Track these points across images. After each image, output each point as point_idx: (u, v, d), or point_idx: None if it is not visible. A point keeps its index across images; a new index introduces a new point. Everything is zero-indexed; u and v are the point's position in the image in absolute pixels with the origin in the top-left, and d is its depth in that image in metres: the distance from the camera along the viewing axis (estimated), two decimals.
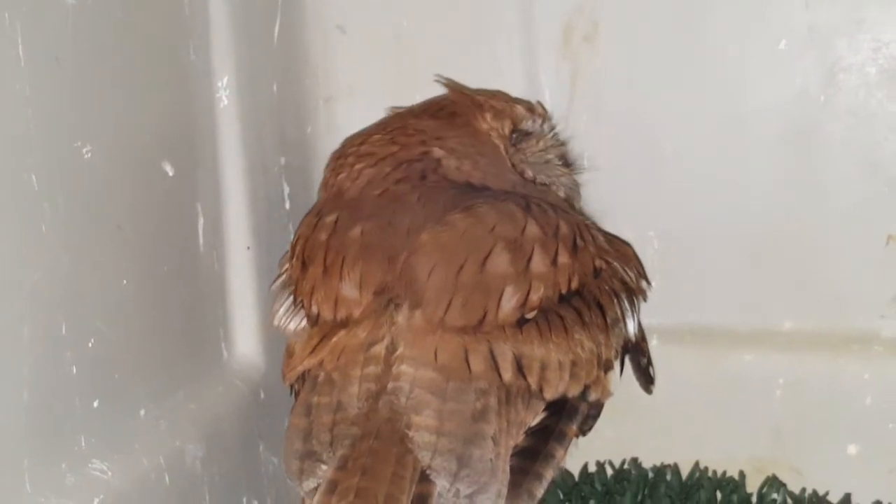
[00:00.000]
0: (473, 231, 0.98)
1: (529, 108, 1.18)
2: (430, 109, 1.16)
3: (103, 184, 0.97)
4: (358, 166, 1.08)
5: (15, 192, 0.88)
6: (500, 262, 0.97)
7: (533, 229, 0.99)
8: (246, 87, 1.18)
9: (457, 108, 1.15)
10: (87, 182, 0.95)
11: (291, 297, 1.04)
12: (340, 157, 1.11)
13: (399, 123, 1.13)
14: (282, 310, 1.04)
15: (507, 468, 0.93)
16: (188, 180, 1.11)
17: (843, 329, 1.24)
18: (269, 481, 1.18)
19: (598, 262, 1.03)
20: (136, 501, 0.98)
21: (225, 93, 1.16)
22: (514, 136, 1.16)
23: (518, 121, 1.16)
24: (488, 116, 1.15)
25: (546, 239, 0.99)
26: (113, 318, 0.98)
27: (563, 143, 1.21)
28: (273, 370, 1.15)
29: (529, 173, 1.15)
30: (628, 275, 1.06)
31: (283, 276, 1.07)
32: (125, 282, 1.00)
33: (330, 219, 1.03)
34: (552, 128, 1.20)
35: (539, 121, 1.18)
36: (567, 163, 1.21)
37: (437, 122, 1.13)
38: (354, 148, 1.11)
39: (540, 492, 0.95)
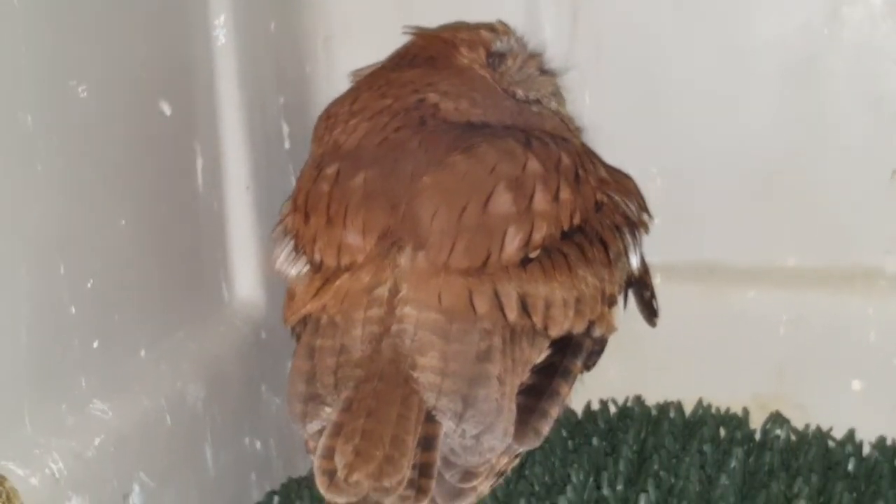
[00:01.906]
0: (474, 172, 0.98)
1: (492, 28, 1.17)
2: (406, 59, 1.15)
3: (99, 123, 0.97)
4: (353, 121, 1.07)
5: (10, 131, 0.87)
6: (503, 202, 0.97)
7: (534, 165, 0.99)
8: (243, 26, 1.17)
9: (431, 51, 1.14)
10: (82, 121, 0.95)
11: (292, 244, 1.04)
12: (330, 117, 1.10)
13: (383, 80, 1.11)
14: (283, 255, 1.04)
15: (514, 407, 0.93)
16: (186, 120, 1.10)
17: (847, 265, 1.23)
18: (271, 422, 1.18)
19: (599, 196, 1.03)
20: (138, 442, 0.99)
21: (222, 31, 1.15)
22: (491, 61, 1.15)
23: (489, 45, 1.15)
24: (464, 50, 1.14)
25: (547, 175, 0.99)
26: (112, 259, 0.98)
27: (536, 54, 1.20)
28: (274, 311, 1.14)
29: (520, 93, 1.14)
30: (629, 208, 1.06)
31: (285, 223, 1.07)
32: (123, 222, 1.00)
33: (331, 170, 1.02)
34: (519, 41, 1.19)
35: (506, 39, 1.17)
36: (545, 71, 1.20)
37: (421, 70, 1.12)
38: (346, 107, 1.09)
39: (546, 429, 0.95)
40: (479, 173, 0.98)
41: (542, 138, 1.02)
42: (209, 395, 1.09)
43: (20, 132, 0.88)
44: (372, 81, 1.12)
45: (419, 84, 1.09)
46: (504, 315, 0.94)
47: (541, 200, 0.98)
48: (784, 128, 1.23)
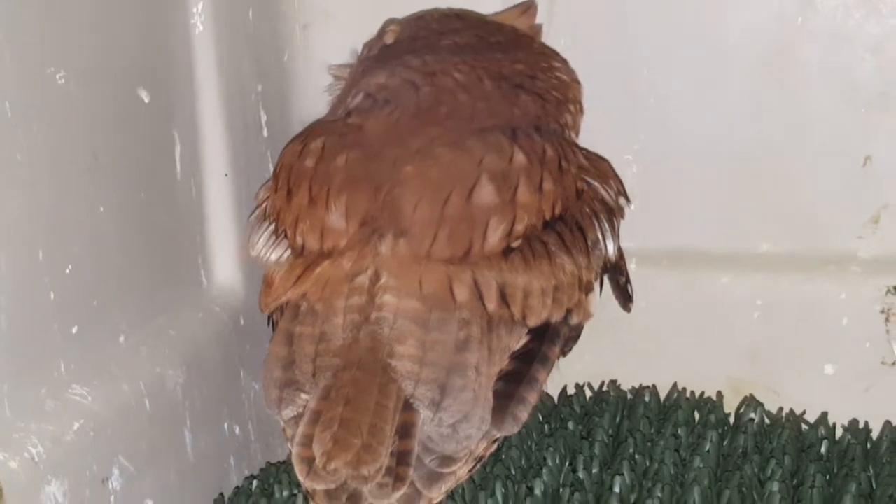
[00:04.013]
0: (459, 163, 0.98)
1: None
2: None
3: (78, 110, 0.97)
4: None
5: None
6: (486, 193, 0.97)
7: (520, 158, 0.99)
8: (222, 14, 1.18)
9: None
10: (61, 108, 0.95)
11: (272, 228, 1.03)
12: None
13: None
14: (261, 241, 1.03)
15: (490, 395, 0.94)
16: (164, 107, 1.11)
17: (821, 250, 1.25)
18: (249, 407, 1.19)
19: (579, 184, 1.03)
20: (117, 426, 0.99)
21: (200, 19, 1.16)
22: None
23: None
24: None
25: (531, 167, 0.99)
26: (90, 245, 0.99)
27: None
28: (253, 297, 1.14)
29: None
30: (608, 193, 1.06)
31: (263, 207, 1.06)
32: (102, 209, 1.00)
33: (316, 144, 1.02)
34: None
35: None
36: None
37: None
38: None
39: (525, 415, 0.95)
40: (463, 165, 0.98)
41: (528, 130, 1.03)
42: (188, 381, 1.09)
43: None
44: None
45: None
46: (483, 304, 0.94)
47: (524, 192, 0.98)
48: (758, 115, 1.24)
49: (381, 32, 1.20)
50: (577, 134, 1.13)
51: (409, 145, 1.00)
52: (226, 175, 1.18)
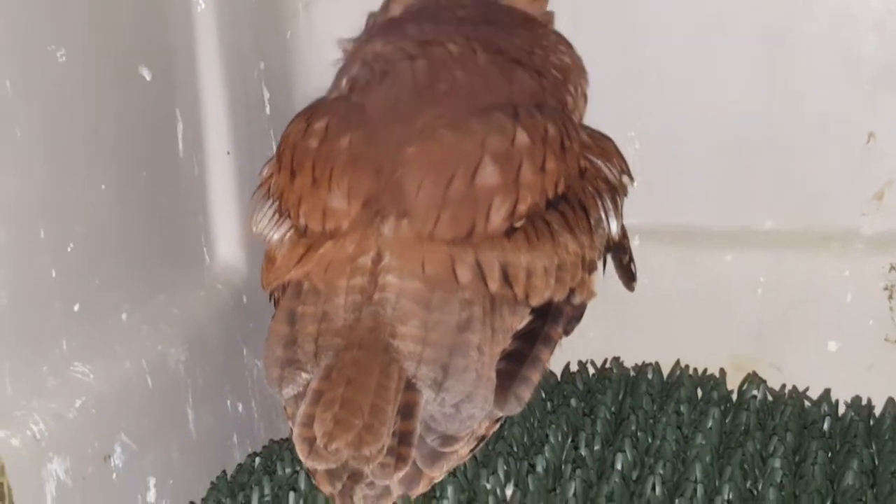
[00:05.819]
0: (461, 144, 0.98)
1: None
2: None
3: (79, 88, 0.97)
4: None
5: None
6: (489, 174, 0.96)
7: (522, 138, 0.99)
8: None
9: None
10: (62, 86, 0.95)
11: (276, 206, 1.03)
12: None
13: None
14: (264, 219, 1.04)
15: (493, 375, 0.94)
16: (166, 85, 1.11)
17: (824, 227, 1.24)
18: (252, 384, 1.20)
19: (582, 163, 1.03)
20: (119, 404, 0.99)
21: None
22: None
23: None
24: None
25: (534, 146, 0.99)
26: (92, 223, 0.99)
27: None
28: (255, 274, 1.14)
29: None
30: (612, 172, 1.06)
31: (267, 185, 1.06)
32: (104, 187, 1.00)
33: (320, 125, 1.02)
34: None
35: None
36: None
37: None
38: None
39: (528, 395, 0.96)
40: (466, 146, 0.98)
41: (529, 109, 1.02)
42: (190, 358, 1.09)
43: None
44: None
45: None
46: (486, 285, 0.94)
47: (527, 172, 0.97)
48: (761, 92, 1.24)
49: (387, 4, 1.19)
50: (580, 120, 1.12)
51: (411, 126, 1.00)
52: (228, 153, 1.18)
